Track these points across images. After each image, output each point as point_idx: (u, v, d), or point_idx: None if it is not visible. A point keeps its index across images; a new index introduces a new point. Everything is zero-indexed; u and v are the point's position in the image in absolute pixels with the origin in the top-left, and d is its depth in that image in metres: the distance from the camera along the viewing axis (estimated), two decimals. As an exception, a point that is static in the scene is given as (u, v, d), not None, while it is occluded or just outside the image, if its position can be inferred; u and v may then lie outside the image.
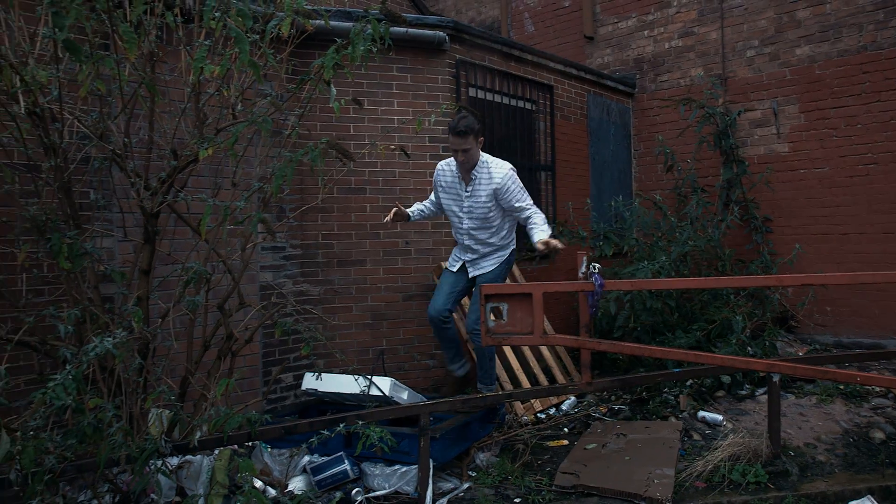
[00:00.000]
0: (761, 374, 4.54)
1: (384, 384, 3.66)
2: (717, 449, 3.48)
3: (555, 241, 3.55)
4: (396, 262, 4.73)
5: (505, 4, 8.36)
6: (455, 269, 4.01)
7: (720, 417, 4.14)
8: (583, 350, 3.30)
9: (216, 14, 2.44)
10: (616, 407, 4.56)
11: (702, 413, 4.22)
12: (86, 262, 2.67)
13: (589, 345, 3.25)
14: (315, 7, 2.86)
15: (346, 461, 3.27)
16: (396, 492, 3.24)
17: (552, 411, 4.52)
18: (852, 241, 5.76)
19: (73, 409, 2.24)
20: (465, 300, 4.45)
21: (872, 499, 3.10)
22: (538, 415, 4.42)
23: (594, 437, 3.93)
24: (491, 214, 3.83)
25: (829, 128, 5.89)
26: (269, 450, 3.46)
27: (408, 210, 4.04)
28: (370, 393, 3.56)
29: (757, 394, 4.54)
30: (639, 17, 7.14)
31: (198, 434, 2.74)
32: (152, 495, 2.83)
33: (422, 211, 4.12)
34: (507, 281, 4.93)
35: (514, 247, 4.08)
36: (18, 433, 2.18)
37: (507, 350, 4.63)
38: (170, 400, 2.78)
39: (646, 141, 7.15)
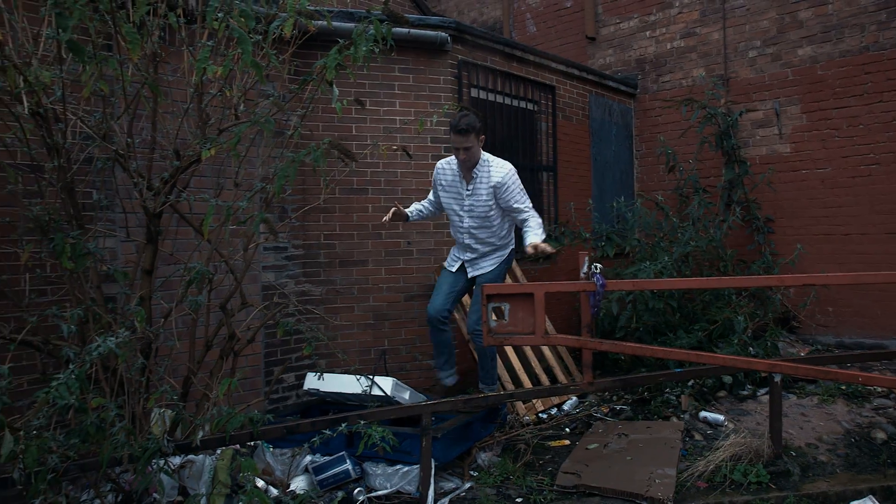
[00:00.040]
0: (763, 375, 4.54)
1: (386, 384, 3.66)
2: (718, 449, 3.48)
3: (544, 246, 3.57)
4: (398, 263, 4.74)
5: (507, 5, 8.36)
6: (454, 270, 4.01)
7: (722, 417, 4.14)
8: (584, 350, 3.30)
9: (219, 15, 2.45)
10: (618, 407, 4.57)
11: (703, 413, 4.22)
12: (89, 262, 2.68)
13: (591, 345, 3.25)
14: (317, 8, 2.87)
15: (347, 461, 3.28)
16: (398, 491, 3.25)
17: (554, 411, 4.53)
18: (854, 241, 5.76)
19: (76, 408, 2.25)
20: (466, 299, 4.45)
21: (874, 499, 3.10)
22: (540, 415, 4.43)
23: (596, 437, 3.93)
24: (492, 213, 3.83)
25: (831, 128, 5.89)
26: (271, 449, 3.47)
27: (406, 210, 4.03)
28: (372, 393, 3.56)
29: (758, 394, 4.54)
30: (641, 17, 7.14)
31: (200, 434, 2.74)
32: (154, 495, 2.84)
33: (420, 211, 4.11)
34: (509, 281, 4.94)
35: (514, 246, 4.09)
36: (22, 432, 2.19)
37: (509, 350, 4.63)
38: (172, 399, 2.79)
39: (648, 141, 7.15)
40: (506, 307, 3.26)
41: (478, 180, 3.81)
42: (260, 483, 3.13)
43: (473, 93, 5.16)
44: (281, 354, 4.31)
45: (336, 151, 2.92)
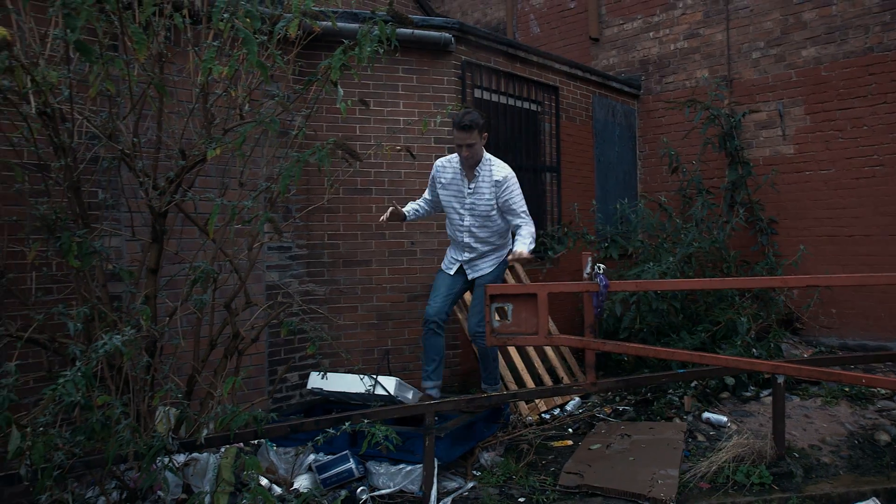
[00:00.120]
0: (766, 376, 4.54)
1: (389, 384, 3.68)
2: (721, 450, 3.48)
3: (527, 257, 3.59)
4: (402, 263, 4.75)
5: (510, 6, 8.37)
6: (452, 272, 3.97)
7: (725, 419, 4.14)
8: (587, 350, 3.31)
9: (225, 16, 2.47)
10: (620, 408, 4.57)
11: (706, 414, 4.22)
12: (94, 260, 2.70)
13: (593, 345, 3.25)
14: (322, 9, 2.88)
15: (351, 460, 3.29)
16: (401, 490, 3.26)
17: (556, 412, 4.53)
18: (858, 243, 5.75)
19: (82, 406, 2.26)
20: (467, 296, 4.45)
21: (878, 501, 3.10)
22: (542, 415, 4.43)
23: (598, 437, 3.93)
24: (493, 213, 3.82)
25: (835, 129, 5.88)
26: (275, 448, 3.49)
27: (403, 210, 3.99)
28: (375, 392, 3.58)
29: (761, 395, 4.54)
30: (644, 18, 7.15)
31: (204, 432, 2.76)
32: (159, 492, 2.85)
33: (416, 211, 4.06)
34: (512, 281, 4.95)
35: (511, 247, 4.07)
36: (28, 429, 2.20)
37: (512, 350, 4.64)
38: (177, 398, 2.80)
39: (651, 142, 7.15)
40: (509, 307, 3.27)
41: (480, 179, 3.80)
42: (263, 481, 3.15)
43: (477, 93, 5.17)
44: (285, 354, 4.33)
45: (341, 151, 2.93)
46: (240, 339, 3.10)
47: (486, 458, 3.69)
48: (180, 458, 2.94)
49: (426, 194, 4.09)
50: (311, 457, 3.40)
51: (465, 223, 3.87)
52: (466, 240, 3.90)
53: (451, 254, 4.05)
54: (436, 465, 3.18)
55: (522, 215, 3.80)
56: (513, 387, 4.41)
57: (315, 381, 3.83)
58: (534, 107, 5.91)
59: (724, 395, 4.58)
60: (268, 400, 4.09)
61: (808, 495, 3.17)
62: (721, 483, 3.28)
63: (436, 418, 3.21)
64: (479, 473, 3.54)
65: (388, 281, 4.71)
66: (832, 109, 5.89)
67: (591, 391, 4.44)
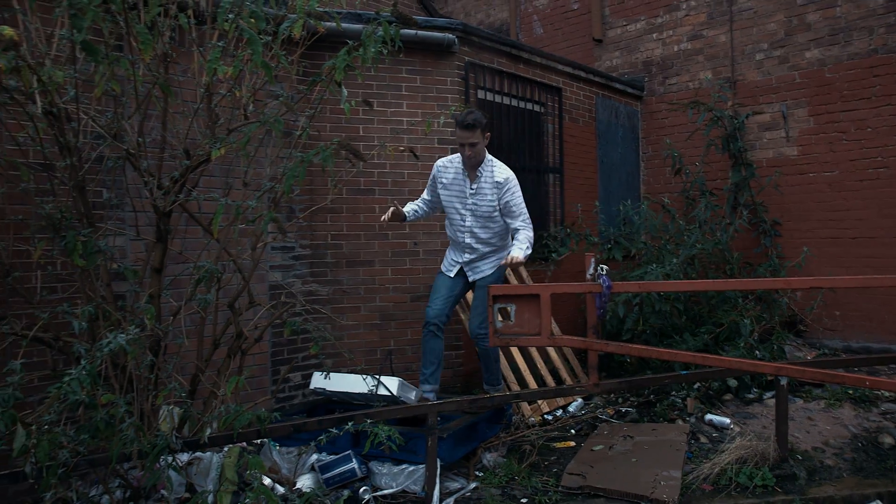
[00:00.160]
0: (769, 378, 4.53)
1: (392, 384, 3.68)
2: (724, 452, 3.48)
3: (521, 262, 3.58)
4: (405, 263, 4.76)
5: (514, 7, 8.38)
6: (452, 274, 3.95)
7: (727, 420, 4.13)
8: (590, 351, 3.31)
9: (230, 16, 2.48)
10: (623, 409, 4.56)
11: (709, 416, 4.21)
12: (99, 259, 2.71)
13: (596, 346, 3.25)
14: (327, 9, 2.89)
15: (353, 460, 3.29)
16: (404, 491, 3.26)
17: (559, 413, 4.53)
18: (862, 245, 5.74)
19: (86, 404, 2.27)
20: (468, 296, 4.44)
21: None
22: (545, 416, 4.43)
23: (601, 438, 3.93)
24: (495, 214, 3.81)
25: (839, 131, 5.87)
26: (278, 448, 3.49)
27: (403, 210, 3.97)
28: (378, 392, 3.58)
29: (765, 397, 4.53)
30: (647, 19, 7.15)
31: (208, 431, 2.77)
32: (162, 491, 2.86)
33: (416, 211, 4.04)
34: (515, 282, 4.95)
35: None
36: (33, 427, 2.21)
37: (515, 351, 4.64)
38: (180, 397, 2.82)
39: (654, 144, 7.15)
40: (512, 308, 3.27)
41: (482, 179, 3.80)
42: (266, 481, 3.15)
43: (480, 94, 5.18)
44: (288, 353, 4.33)
45: (345, 152, 2.94)
46: (243, 338, 3.10)
47: (489, 458, 3.69)
48: (184, 457, 2.94)
49: (425, 195, 4.07)
50: (314, 457, 3.40)
51: (467, 223, 3.86)
52: (468, 240, 3.88)
53: (450, 256, 4.03)
54: (438, 466, 3.18)
55: (522, 219, 3.78)
56: (515, 387, 4.41)
57: (318, 381, 3.83)
58: (537, 108, 5.92)
59: (727, 397, 4.57)
60: (271, 400, 4.09)
61: (812, 498, 3.16)
62: (724, 485, 3.28)
63: (438, 419, 3.21)
64: (481, 474, 3.54)
65: (390, 281, 4.72)
66: (836, 111, 5.89)
67: (594, 392, 4.44)
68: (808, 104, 6.05)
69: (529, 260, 5.41)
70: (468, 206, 3.84)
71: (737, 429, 4.01)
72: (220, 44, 2.61)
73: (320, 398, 4.06)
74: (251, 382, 4.01)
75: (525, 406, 4.36)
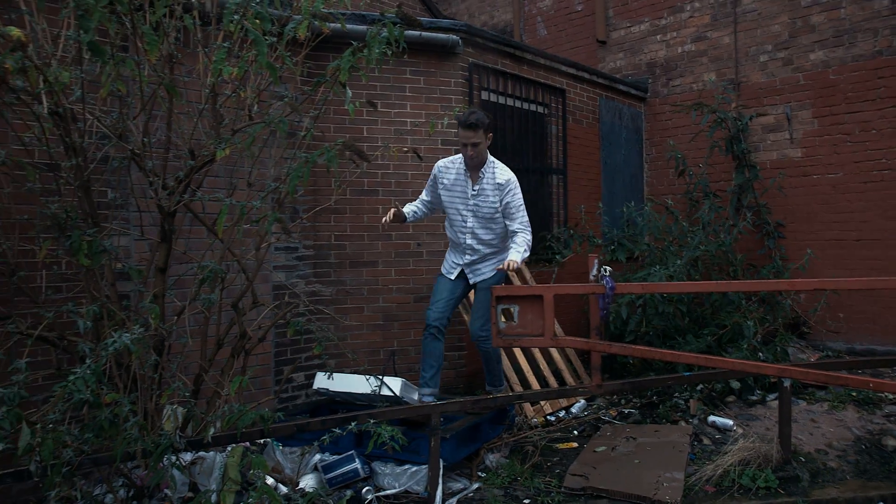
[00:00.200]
0: (772, 380, 4.53)
1: (395, 384, 3.68)
2: (727, 453, 3.48)
3: (513, 261, 3.51)
4: (408, 264, 4.76)
5: (518, 8, 8.39)
6: (453, 277, 3.92)
7: (730, 422, 4.13)
8: (593, 353, 3.31)
9: (235, 17, 2.49)
10: (626, 410, 4.56)
11: (712, 418, 4.21)
12: (104, 259, 2.72)
13: (599, 347, 3.25)
14: (331, 10, 2.90)
15: (356, 460, 3.30)
16: (406, 491, 3.27)
17: (562, 414, 4.53)
18: (866, 247, 5.73)
19: (90, 403, 2.28)
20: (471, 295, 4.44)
21: (884, 506, 3.09)
22: (548, 417, 4.43)
23: (604, 440, 3.93)
24: (497, 215, 3.79)
25: (843, 133, 5.86)
26: (281, 448, 3.50)
27: (403, 211, 3.93)
28: (381, 393, 3.58)
29: (768, 399, 4.52)
30: (652, 21, 7.15)
31: (211, 430, 2.77)
32: (166, 490, 2.86)
33: (415, 213, 3.99)
34: (518, 283, 4.95)
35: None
36: (38, 426, 2.22)
37: (518, 352, 4.64)
38: (184, 396, 2.82)
39: (657, 145, 7.15)
40: (515, 309, 3.27)
41: (484, 180, 3.78)
42: (269, 481, 3.16)
43: (484, 95, 5.19)
44: (291, 354, 4.34)
45: (349, 152, 2.95)
46: (247, 338, 3.11)
47: (492, 459, 3.69)
48: (187, 457, 2.95)
49: (424, 195, 4.03)
50: (317, 456, 3.41)
51: (469, 224, 3.83)
52: (469, 241, 3.86)
53: (451, 258, 4.00)
54: (441, 466, 3.18)
55: (520, 221, 3.75)
56: (518, 388, 4.41)
57: (321, 381, 3.84)
58: (540, 109, 5.92)
59: (730, 398, 4.57)
60: (274, 399, 4.10)
61: (815, 500, 3.16)
62: (727, 486, 3.27)
63: (441, 419, 3.22)
64: (484, 475, 3.55)
65: (394, 282, 4.73)
66: (840, 113, 5.88)
67: (597, 393, 4.43)
68: (812, 106, 6.04)
69: (533, 261, 5.43)
70: (470, 207, 3.82)
71: (740, 430, 4.01)
72: (225, 45, 2.62)
73: (323, 398, 4.07)
74: (254, 382, 4.02)
75: (528, 407, 4.36)
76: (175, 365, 2.93)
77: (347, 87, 2.77)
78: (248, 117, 2.92)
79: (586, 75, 6.39)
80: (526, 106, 5.70)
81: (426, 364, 3.83)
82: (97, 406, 2.33)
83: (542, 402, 4.45)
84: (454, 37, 4.74)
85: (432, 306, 3.87)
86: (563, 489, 3.32)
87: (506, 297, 3.27)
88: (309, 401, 4.32)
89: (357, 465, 3.29)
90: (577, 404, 4.66)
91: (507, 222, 3.79)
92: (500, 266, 3.60)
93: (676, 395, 4.62)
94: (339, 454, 3.34)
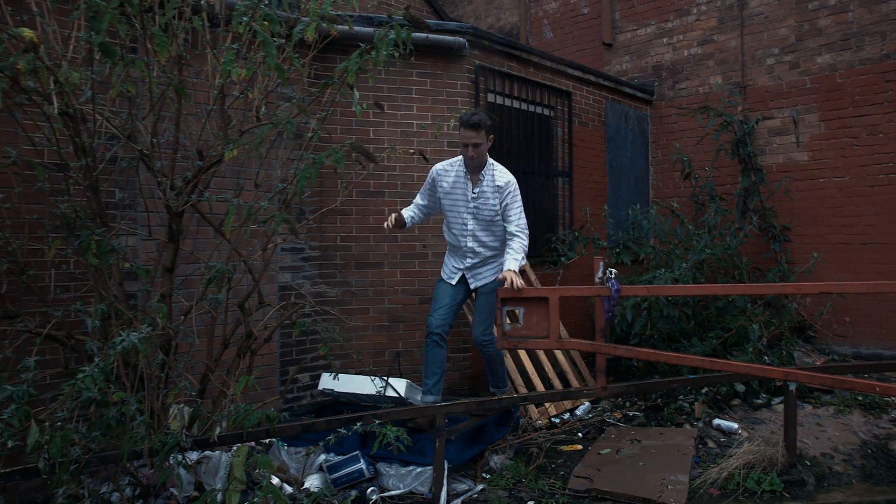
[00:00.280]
0: (778, 383, 4.52)
1: (400, 385, 3.69)
2: (731, 456, 3.47)
3: (515, 279, 3.32)
4: (413, 266, 4.77)
5: (524, 11, 8.40)
6: (454, 282, 3.88)
7: (735, 425, 4.12)
8: (598, 355, 3.31)
9: (244, 19, 2.50)
10: (631, 413, 4.56)
11: (717, 421, 4.20)
12: (112, 259, 2.74)
13: (604, 349, 3.26)
14: (339, 13, 2.92)
15: (361, 460, 3.31)
16: (411, 492, 3.27)
17: (567, 416, 4.53)
18: (873, 251, 5.71)
19: (98, 402, 2.30)
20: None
21: (890, 510, 3.08)
22: (552, 419, 4.43)
23: (608, 442, 3.93)
24: (497, 218, 3.76)
25: (850, 137, 5.85)
26: (286, 448, 3.51)
27: (404, 216, 3.88)
28: (386, 394, 3.59)
29: (773, 403, 4.51)
30: (658, 24, 7.14)
31: (217, 430, 2.79)
32: (172, 489, 2.88)
33: (412, 218, 3.93)
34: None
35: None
36: (46, 424, 2.24)
37: (522, 354, 4.64)
38: (190, 396, 2.84)
39: (663, 148, 7.14)
40: (520, 311, 3.28)
41: (484, 183, 3.75)
42: (275, 480, 3.17)
43: (490, 98, 5.20)
44: (296, 354, 4.36)
45: (357, 153, 2.96)
46: (253, 338, 3.13)
47: (496, 460, 3.70)
48: (193, 456, 2.97)
49: (420, 200, 3.96)
50: (322, 457, 3.42)
51: (469, 227, 3.79)
52: (470, 244, 3.82)
53: (451, 263, 3.96)
54: (446, 467, 3.19)
55: (516, 224, 3.70)
56: (523, 390, 4.41)
57: (326, 381, 3.85)
58: (547, 111, 5.93)
59: (735, 402, 4.56)
60: (279, 400, 4.12)
61: (820, 504, 3.15)
62: (731, 490, 3.27)
63: (446, 420, 3.22)
64: (488, 476, 3.55)
65: (399, 283, 4.74)
66: (847, 116, 5.86)
67: (602, 395, 4.42)
68: (818, 109, 6.02)
69: (538, 263, 5.43)
70: (470, 210, 3.78)
71: (745, 434, 4.00)
72: (233, 46, 2.64)
73: (328, 399, 4.08)
74: (260, 382, 4.02)
75: (532, 409, 4.36)
76: (182, 364, 2.95)
77: (355, 89, 2.78)
78: (256, 118, 2.94)
79: (592, 78, 6.39)
80: (532, 108, 5.71)
81: (429, 371, 3.77)
82: (105, 404, 2.35)
83: (547, 405, 4.45)
84: (461, 39, 4.75)
85: (434, 313, 3.82)
86: (567, 491, 3.32)
87: (511, 299, 3.28)
88: (314, 401, 4.33)
89: (362, 465, 3.29)
90: (582, 406, 4.65)
91: (505, 224, 3.75)
92: (500, 276, 3.52)
93: (681, 397, 4.62)
94: (344, 455, 3.35)
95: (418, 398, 3.74)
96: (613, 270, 3.21)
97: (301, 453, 3.48)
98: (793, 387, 3.46)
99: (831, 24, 5.95)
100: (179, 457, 2.56)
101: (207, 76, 2.99)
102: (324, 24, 2.78)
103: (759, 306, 5.15)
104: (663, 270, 5.00)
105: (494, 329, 3.75)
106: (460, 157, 3.77)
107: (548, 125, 5.94)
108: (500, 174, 3.76)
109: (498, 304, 3.28)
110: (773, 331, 4.94)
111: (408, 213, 3.93)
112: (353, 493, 3.21)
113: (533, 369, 4.63)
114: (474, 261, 3.84)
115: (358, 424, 2.93)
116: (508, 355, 4.51)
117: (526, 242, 3.71)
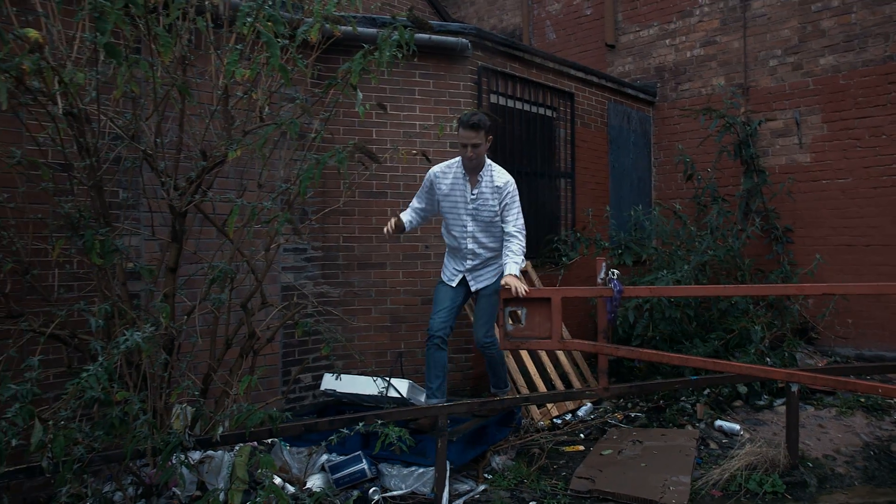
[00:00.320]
0: (780, 385, 4.51)
1: (402, 386, 3.70)
2: (733, 458, 3.47)
3: (517, 285, 3.33)
4: (416, 266, 4.78)
5: (527, 12, 8.40)
6: (455, 284, 3.85)
7: (737, 427, 4.12)
8: (600, 356, 3.31)
9: (248, 19, 2.51)
10: (632, 414, 4.56)
11: (719, 422, 4.20)
12: (116, 258, 2.75)
13: (606, 350, 3.26)
14: (343, 13, 2.92)
15: (363, 461, 3.31)
16: (413, 492, 3.28)
17: (569, 417, 4.53)
18: (876, 252, 5.70)
19: (102, 401, 2.30)
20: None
21: (892, 512, 3.08)
22: (554, 420, 4.43)
23: (610, 443, 3.93)
24: (496, 219, 3.74)
25: (853, 138, 5.84)
26: (289, 448, 3.51)
27: (403, 220, 3.85)
28: (388, 394, 3.60)
29: (775, 404, 4.51)
30: (660, 25, 7.15)
31: (220, 429, 2.79)
32: (174, 489, 2.89)
33: (410, 221, 3.91)
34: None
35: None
36: (50, 423, 2.25)
37: (525, 355, 4.64)
38: (193, 395, 2.84)
39: (666, 149, 7.14)
40: (523, 312, 3.28)
41: (483, 184, 3.73)
42: (277, 480, 3.17)
43: (493, 98, 5.20)
44: (299, 354, 4.36)
45: (360, 154, 2.96)
46: (255, 338, 3.13)
47: (498, 461, 3.70)
48: (196, 456, 2.98)
49: (416, 203, 3.93)
50: (324, 457, 3.42)
51: (469, 229, 3.77)
52: (470, 246, 3.78)
53: (451, 265, 3.92)
54: (448, 468, 3.19)
55: (514, 225, 3.68)
56: (525, 391, 4.41)
57: (328, 382, 3.86)
58: (549, 112, 5.93)
59: (737, 403, 4.55)
60: (281, 400, 4.12)
61: (822, 505, 3.15)
62: (733, 491, 3.27)
63: (448, 421, 3.22)
64: (490, 477, 3.55)
65: (401, 284, 4.74)
66: (850, 118, 5.85)
67: (604, 396, 4.43)
68: (821, 111, 6.02)
69: (540, 263, 5.43)
70: (469, 211, 3.76)
71: (747, 435, 4.00)
72: (237, 47, 2.65)
73: (330, 399, 4.08)
74: (262, 383, 4.03)
75: (534, 410, 4.36)
76: (184, 364, 2.96)
77: (358, 90, 2.79)
78: (260, 119, 2.95)
79: (595, 79, 6.39)
80: (534, 109, 5.71)
81: (431, 374, 3.73)
82: (108, 404, 2.36)
83: (549, 405, 4.45)
84: (463, 40, 4.76)
85: (435, 316, 3.79)
86: (569, 492, 3.32)
87: (513, 300, 3.28)
88: (316, 402, 4.34)
89: (364, 465, 3.30)
90: (584, 407, 4.65)
91: (503, 224, 3.72)
92: (503, 283, 3.50)
93: (683, 399, 4.61)
94: (347, 455, 3.36)
95: (420, 399, 3.75)
96: (616, 271, 3.21)
97: (303, 453, 3.49)
98: (795, 388, 3.46)
99: (834, 25, 5.95)
100: (182, 456, 2.56)
101: (211, 77, 3.00)
102: (327, 25, 2.79)
103: (761, 308, 5.14)
104: (665, 271, 5.00)
105: (496, 330, 3.75)
106: (457, 158, 3.76)
107: (550, 126, 5.95)
108: (498, 175, 3.74)
109: (500, 305, 3.29)
110: (775, 332, 4.94)
111: (405, 216, 3.91)
112: (356, 493, 3.21)
113: (535, 370, 4.63)
114: (475, 262, 3.82)
115: (360, 425, 2.93)
116: (510, 356, 4.51)
117: (524, 244, 3.69)
